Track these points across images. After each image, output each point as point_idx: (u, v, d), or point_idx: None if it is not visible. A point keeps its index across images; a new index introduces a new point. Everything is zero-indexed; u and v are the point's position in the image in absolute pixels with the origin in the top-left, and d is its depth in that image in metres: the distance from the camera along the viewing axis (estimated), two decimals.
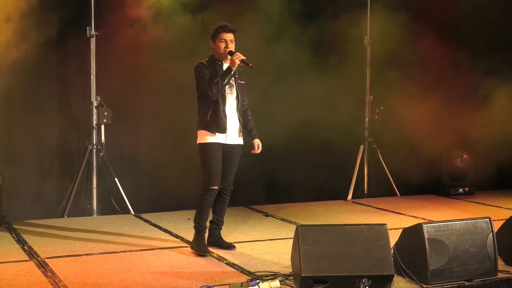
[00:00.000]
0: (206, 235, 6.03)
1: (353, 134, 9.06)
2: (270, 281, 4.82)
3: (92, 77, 7.60)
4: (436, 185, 9.45)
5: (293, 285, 4.88)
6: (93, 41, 7.56)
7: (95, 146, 7.68)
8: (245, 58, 5.72)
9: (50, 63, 7.68)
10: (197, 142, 5.90)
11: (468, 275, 5.03)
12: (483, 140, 8.90)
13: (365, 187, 9.23)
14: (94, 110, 7.64)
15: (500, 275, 5.17)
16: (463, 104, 9.07)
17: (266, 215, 7.77)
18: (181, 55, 7.92)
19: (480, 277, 5.06)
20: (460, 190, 9.34)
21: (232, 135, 5.87)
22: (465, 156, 9.42)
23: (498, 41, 9.40)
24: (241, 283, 4.82)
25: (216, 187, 5.86)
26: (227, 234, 6.66)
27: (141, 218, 7.54)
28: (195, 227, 5.95)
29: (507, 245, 5.41)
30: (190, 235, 6.63)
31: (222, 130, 5.79)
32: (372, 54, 9.05)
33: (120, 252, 5.96)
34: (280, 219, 7.54)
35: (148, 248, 6.12)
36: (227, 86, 5.78)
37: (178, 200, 8.11)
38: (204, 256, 5.76)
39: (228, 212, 7.82)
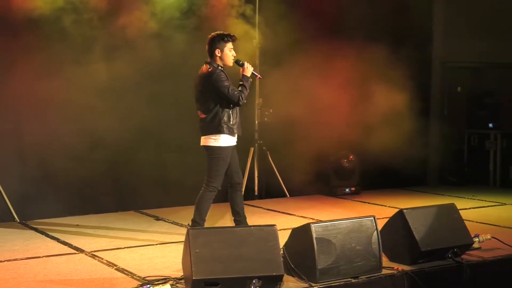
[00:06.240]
0: None
1: (243, 137, 9.10)
2: (161, 285, 4.80)
3: None
4: (324, 185, 9.68)
5: None
6: None
7: None
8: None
9: None
10: (213, 145, 6.21)
11: (354, 272, 5.18)
12: (367, 140, 9.20)
13: (256, 189, 9.32)
14: None
15: (384, 271, 5.35)
16: (348, 106, 9.33)
17: (157, 218, 7.72)
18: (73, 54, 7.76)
19: (365, 274, 5.22)
20: (347, 190, 9.61)
21: None
22: (351, 156, 9.70)
23: (389, 41, 9.59)
24: None
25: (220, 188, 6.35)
26: (115, 239, 6.57)
27: (27, 226, 7.30)
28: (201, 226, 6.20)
29: (391, 242, 5.61)
30: (78, 241, 6.50)
31: (240, 131, 6.37)
32: (260, 56, 9.15)
33: (4, 261, 5.74)
34: (171, 223, 7.51)
35: (34, 256, 5.93)
36: None
37: (66, 206, 7.91)
38: None
39: (118, 216, 7.80)
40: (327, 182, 9.67)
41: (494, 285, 5.76)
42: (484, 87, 11.37)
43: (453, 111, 11.25)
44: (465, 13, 10.68)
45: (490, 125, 11.00)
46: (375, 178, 9.98)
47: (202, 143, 6.32)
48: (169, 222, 7.54)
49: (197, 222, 6.23)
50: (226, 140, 6.23)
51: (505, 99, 11.24)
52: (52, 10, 7.47)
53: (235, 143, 6.36)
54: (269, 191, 9.40)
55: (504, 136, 10.83)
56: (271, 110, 9.18)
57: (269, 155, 9.21)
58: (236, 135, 6.32)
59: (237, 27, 8.67)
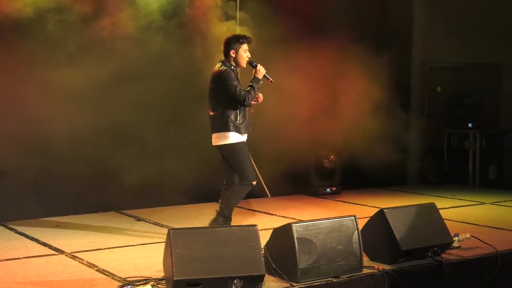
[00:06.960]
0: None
1: None
2: (142, 286, 4.79)
3: None
4: (305, 185, 9.70)
5: None
6: None
7: None
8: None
9: None
10: (225, 143, 6.36)
11: (335, 272, 5.20)
12: (348, 140, 9.22)
13: None
14: None
15: (365, 270, 5.38)
16: (330, 106, 9.35)
17: (138, 219, 7.69)
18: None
19: (346, 273, 5.24)
20: (328, 189, 9.64)
21: None
22: (332, 156, 9.73)
23: (369, 42, 9.56)
24: None
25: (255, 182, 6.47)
26: (96, 240, 6.54)
27: (6, 226, 7.24)
28: (226, 215, 6.41)
29: (371, 242, 5.64)
30: (58, 242, 6.46)
31: (249, 130, 6.51)
32: None
33: None
34: (152, 223, 7.48)
35: (13, 257, 5.88)
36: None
37: (45, 207, 7.85)
38: None
39: (99, 217, 7.77)
40: (308, 182, 9.69)
41: (473, 284, 5.80)
42: (463, 87, 11.47)
43: (433, 111, 11.33)
44: (445, 14, 10.75)
45: (470, 125, 11.09)
46: (356, 178, 10.02)
47: (213, 143, 6.44)
48: (150, 223, 7.51)
49: (230, 212, 6.43)
50: (235, 137, 6.35)
51: (484, 99, 11.35)
52: (33, 12, 7.42)
53: (244, 140, 6.45)
54: (251, 191, 9.37)
55: (483, 136, 10.92)
56: (252, 111, 9.15)
57: (250, 155, 9.18)
58: (244, 134, 6.42)
59: (218, 26, 8.67)
